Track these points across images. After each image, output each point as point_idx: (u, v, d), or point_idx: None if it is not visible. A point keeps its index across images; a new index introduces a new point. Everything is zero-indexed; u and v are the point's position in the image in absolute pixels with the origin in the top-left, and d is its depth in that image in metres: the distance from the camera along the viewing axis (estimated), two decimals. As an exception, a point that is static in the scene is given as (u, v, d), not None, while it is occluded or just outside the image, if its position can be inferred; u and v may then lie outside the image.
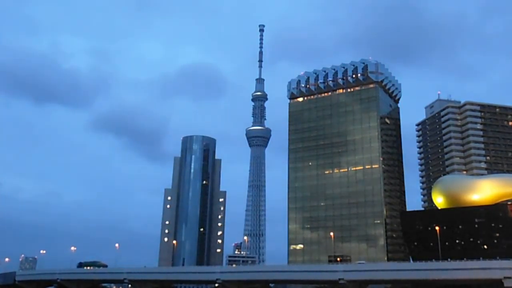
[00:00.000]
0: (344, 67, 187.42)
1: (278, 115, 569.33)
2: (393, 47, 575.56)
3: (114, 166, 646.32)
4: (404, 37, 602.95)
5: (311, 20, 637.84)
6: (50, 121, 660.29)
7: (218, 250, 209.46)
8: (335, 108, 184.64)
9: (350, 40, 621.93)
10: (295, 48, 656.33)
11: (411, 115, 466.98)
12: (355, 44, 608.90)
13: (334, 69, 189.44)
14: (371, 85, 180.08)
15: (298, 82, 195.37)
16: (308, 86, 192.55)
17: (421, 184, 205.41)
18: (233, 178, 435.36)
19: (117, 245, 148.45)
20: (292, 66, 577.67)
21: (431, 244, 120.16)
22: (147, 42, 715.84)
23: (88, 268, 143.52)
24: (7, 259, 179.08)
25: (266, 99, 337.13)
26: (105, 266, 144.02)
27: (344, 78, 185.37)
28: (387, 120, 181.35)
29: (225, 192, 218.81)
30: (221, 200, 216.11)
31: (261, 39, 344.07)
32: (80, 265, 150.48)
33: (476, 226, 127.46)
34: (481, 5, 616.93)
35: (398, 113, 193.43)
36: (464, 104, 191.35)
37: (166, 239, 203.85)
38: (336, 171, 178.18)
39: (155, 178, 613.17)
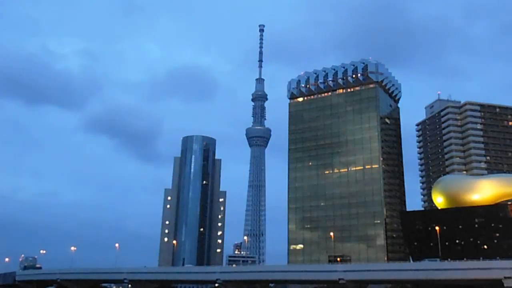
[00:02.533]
0: (344, 67, 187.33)
1: (278, 115, 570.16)
2: (380, 49, 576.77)
3: (109, 166, 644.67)
4: (390, 40, 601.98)
5: (299, 23, 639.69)
6: (43, 122, 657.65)
7: (218, 250, 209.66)
8: (335, 108, 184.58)
9: (338, 42, 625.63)
10: (285, 50, 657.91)
11: (411, 115, 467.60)
12: (343, 46, 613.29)
13: (334, 69, 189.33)
14: (371, 85, 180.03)
15: (298, 82, 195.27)
16: (308, 86, 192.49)
17: (421, 184, 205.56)
18: (233, 178, 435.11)
19: (117, 245, 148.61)
20: (282, 68, 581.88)
21: (431, 244, 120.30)
22: (140, 43, 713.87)
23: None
24: (7, 259, 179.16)
25: (266, 99, 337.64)
26: (40, 268, 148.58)
27: (344, 78, 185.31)
28: (387, 120, 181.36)
29: (225, 192, 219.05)
30: (221, 200, 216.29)
31: (261, 39, 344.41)
32: (25, 268, 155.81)
33: (476, 226, 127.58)
34: (465, 7, 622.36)
35: (398, 113, 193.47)
36: (464, 104, 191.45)
37: (166, 239, 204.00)
38: (336, 171, 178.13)
39: (151, 178, 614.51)
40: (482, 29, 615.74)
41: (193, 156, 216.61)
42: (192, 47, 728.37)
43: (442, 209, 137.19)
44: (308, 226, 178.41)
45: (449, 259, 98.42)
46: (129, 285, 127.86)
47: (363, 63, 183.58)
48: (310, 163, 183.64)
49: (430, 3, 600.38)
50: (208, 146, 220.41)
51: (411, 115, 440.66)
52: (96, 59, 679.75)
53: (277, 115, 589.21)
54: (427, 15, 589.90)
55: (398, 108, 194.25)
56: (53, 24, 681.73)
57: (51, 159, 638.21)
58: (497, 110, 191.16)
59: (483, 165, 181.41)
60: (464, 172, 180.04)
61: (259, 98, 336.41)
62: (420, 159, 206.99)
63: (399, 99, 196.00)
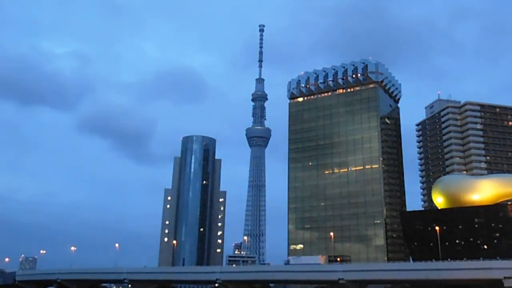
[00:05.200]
0: (344, 67, 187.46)
1: (278, 115, 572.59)
2: (368, 51, 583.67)
3: (105, 167, 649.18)
4: (377, 43, 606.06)
5: (288, 25, 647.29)
6: (37, 123, 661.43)
7: (218, 250, 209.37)
8: (335, 108, 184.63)
9: (326, 45, 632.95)
10: (274, 52, 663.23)
11: (411, 115, 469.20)
12: (330, 48, 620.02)
13: (334, 69, 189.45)
14: (371, 85, 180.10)
15: (298, 82, 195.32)
16: (308, 86, 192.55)
17: (421, 184, 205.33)
18: (233, 178, 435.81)
19: (117, 245, 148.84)
20: (271, 69, 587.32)
21: (431, 244, 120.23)
22: (134, 44, 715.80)
23: None
24: (7, 259, 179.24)
25: (266, 99, 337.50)
26: (3, 272, 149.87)
27: (344, 78, 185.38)
28: (387, 120, 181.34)
29: (225, 192, 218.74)
30: (221, 200, 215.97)
31: (261, 39, 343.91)
32: None
33: (476, 226, 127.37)
34: (449, 10, 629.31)
35: (398, 113, 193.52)
36: (464, 104, 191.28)
37: (166, 239, 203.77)
38: (336, 171, 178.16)
39: (146, 179, 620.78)
40: (466, 31, 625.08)
41: (193, 156, 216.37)
42: (185, 48, 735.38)
43: (442, 209, 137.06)
44: (308, 226, 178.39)
45: (449, 259, 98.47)
46: (129, 285, 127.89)
47: (363, 63, 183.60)
48: (310, 163, 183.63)
49: (415, 7, 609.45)
50: (208, 146, 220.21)
51: (411, 115, 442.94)
52: (88, 60, 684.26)
53: (277, 115, 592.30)
54: (413, 18, 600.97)
55: (398, 108, 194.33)
56: (45, 25, 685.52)
57: (48, 159, 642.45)
58: (497, 110, 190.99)
59: (483, 165, 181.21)
60: (464, 172, 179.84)
61: (259, 98, 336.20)
62: (420, 159, 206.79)
63: (399, 99, 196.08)
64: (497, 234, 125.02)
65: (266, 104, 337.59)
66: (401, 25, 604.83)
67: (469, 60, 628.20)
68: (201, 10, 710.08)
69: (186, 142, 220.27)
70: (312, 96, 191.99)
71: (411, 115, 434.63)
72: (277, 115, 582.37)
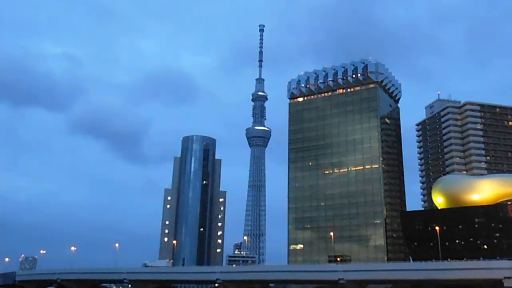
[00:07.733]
0: (344, 67, 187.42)
1: (278, 115, 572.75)
2: (356, 54, 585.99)
3: (100, 167, 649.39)
4: (363, 45, 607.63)
5: (275, 27, 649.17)
6: (31, 124, 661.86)
7: (218, 250, 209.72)
8: (335, 108, 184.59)
9: (313, 46, 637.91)
10: (267, 53, 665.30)
11: (411, 115, 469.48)
12: (319, 50, 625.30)
13: (334, 69, 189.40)
14: (371, 85, 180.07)
15: (298, 82, 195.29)
16: (308, 86, 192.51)
17: (421, 184, 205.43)
18: (233, 178, 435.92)
19: (117, 245, 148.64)
20: (264, 70, 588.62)
21: (431, 244, 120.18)
22: (128, 45, 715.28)
23: None
24: (7, 259, 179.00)
25: (266, 99, 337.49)
26: None
27: (344, 78, 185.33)
28: (387, 120, 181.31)
29: (225, 192, 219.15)
30: (221, 200, 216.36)
31: (261, 39, 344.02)
32: None
33: (476, 226, 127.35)
34: (432, 12, 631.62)
35: (398, 113, 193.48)
36: (464, 104, 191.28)
37: (166, 239, 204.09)
38: (336, 171, 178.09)
39: (142, 179, 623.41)
40: (453, 33, 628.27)
41: (193, 156, 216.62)
42: (179, 49, 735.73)
43: (442, 209, 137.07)
44: (308, 226, 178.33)
45: (449, 259, 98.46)
46: (129, 285, 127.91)
47: (363, 63, 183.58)
48: (310, 163, 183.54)
49: (401, 9, 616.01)
50: (208, 146, 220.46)
51: (411, 115, 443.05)
52: (80, 62, 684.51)
53: (277, 115, 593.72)
54: (399, 20, 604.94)
55: (398, 108, 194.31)
56: (38, 26, 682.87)
57: (44, 160, 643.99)
58: (497, 110, 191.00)
59: (483, 165, 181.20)
60: (464, 172, 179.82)
61: (259, 98, 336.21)
62: (420, 159, 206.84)
63: (399, 99, 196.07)
64: (497, 234, 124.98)
65: (266, 104, 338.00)
66: (389, 27, 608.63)
67: (457, 61, 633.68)
68: (194, 12, 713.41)
69: (186, 142, 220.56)
70: (312, 96, 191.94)
71: (411, 115, 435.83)
72: (277, 115, 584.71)
